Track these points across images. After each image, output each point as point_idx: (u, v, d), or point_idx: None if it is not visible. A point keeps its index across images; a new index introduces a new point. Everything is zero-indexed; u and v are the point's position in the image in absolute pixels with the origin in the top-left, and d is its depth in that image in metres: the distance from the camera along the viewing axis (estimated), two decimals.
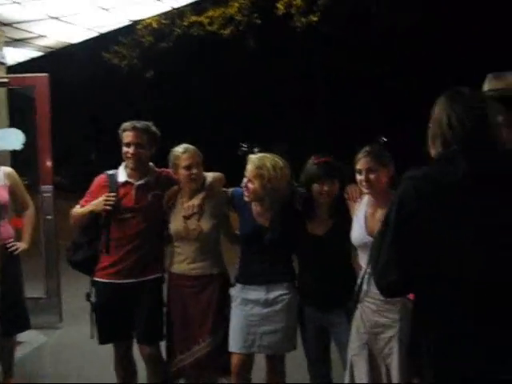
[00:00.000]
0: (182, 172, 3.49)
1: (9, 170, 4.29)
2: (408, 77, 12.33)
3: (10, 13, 6.31)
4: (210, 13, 13.43)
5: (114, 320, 3.58)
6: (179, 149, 3.53)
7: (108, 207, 3.47)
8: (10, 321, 4.03)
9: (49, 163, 5.92)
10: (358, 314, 3.07)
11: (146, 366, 3.65)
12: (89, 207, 3.54)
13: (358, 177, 3.07)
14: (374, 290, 2.66)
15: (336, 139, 11.13)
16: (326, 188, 3.24)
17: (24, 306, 4.25)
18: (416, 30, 11.71)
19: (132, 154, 3.52)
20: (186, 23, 13.68)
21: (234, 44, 13.48)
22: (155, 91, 15.75)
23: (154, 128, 3.62)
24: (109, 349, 3.69)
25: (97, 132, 17.13)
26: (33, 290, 5.10)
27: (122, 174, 3.62)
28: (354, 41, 12.69)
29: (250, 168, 3.33)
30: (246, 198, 3.36)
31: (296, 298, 3.40)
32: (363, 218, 3.11)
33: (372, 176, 3.02)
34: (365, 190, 3.09)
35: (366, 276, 2.93)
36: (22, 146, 5.60)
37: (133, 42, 14.20)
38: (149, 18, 11.36)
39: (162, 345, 3.63)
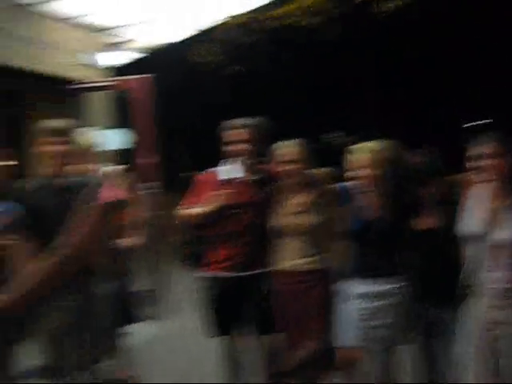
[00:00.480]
0: (284, 167, 3.53)
1: (122, 169, 4.49)
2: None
3: (107, 18, 6.59)
4: (294, 5, 13.36)
5: (224, 313, 3.66)
6: (282, 144, 3.57)
7: (223, 204, 3.54)
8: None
9: (153, 161, 6.14)
10: (475, 308, 3.01)
11: (259, 359, 3.72)
12: (206, 208, 3.60)
13: (477, 163, 2.98)
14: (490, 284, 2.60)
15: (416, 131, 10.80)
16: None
17: (134, 299, 4.43)
18: None
19: (244, 151, 3.57)
20: (269, 16, 13.69)
21: (318, 35, 13.35)
22: (241, 87, 15.86)
23: (264, 124, 3.67)
24: (213, 341, 3.77)
25: (187, 130, 17.49)
26: (140, 284, 5.30)
27: (230, 171, 3.68)
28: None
29: (363, 157, 3.33)
30: (364, 188, 3.37)
31: (407, 291, 3.36)
32: (474, 208, 3.04)
33: (496, 162, 2.94)
34: (486, 177, 3.00)
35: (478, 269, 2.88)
36: (129, 145, 5.84)
37: (220, 39, 14.37)
38: (235, 15, 11.43)
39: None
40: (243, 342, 3.80)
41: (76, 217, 3.55)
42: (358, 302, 3.36)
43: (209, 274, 3.70)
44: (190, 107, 15.33)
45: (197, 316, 3.86)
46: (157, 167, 6.13)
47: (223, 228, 3.62)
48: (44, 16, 6.09)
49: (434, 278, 3.23)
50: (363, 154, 3.33)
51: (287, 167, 3.50)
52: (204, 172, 3.77)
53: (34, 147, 3.45)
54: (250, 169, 3.64)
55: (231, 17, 11.91)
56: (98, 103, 6.83)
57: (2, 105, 6.02)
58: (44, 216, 3.47)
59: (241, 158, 3.61)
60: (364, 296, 3.35)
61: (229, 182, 3.62)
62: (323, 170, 3.64)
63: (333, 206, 3.56)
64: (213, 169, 3.73)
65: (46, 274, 1.04)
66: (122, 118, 6.76)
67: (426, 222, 3.27)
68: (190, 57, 14.45)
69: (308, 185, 3.55)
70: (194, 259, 3.72)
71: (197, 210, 3.64)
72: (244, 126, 3.58)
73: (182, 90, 14.91)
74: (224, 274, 3.64)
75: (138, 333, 5.13)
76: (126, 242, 4.20)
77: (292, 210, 3.53)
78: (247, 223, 3.59)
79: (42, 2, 5.86)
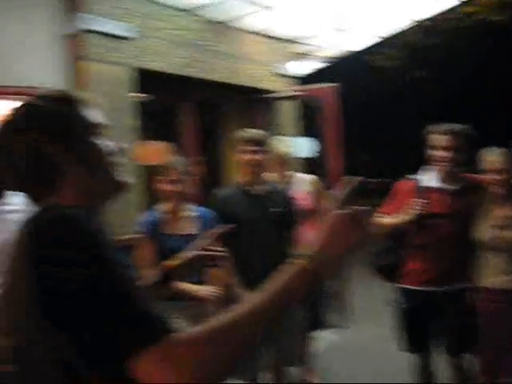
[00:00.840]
0: (490, 176, 3.31)
1: (309, 177, 4.57)
2: None
3: (295, 29, 6.75)
4: (481, 0, 12.62)
5: (417, 329, 3.54)
6: (487, 152, 3.37)
7: (421, 214, 3.42)
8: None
9: (340, 170, 6.16)
10: None
11: (454, 378, 3.55)
12: (403, 217, 3.51)
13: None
14: None
15: None
16: None
17: (323, 305, 4.47)
18: None
19: (448, 159, 3.40)
20: (455, 15, 13.06)
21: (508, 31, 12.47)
22: (426, 92, 15.31)
23: (471, 132, 3.49)
24: (402, 355, 3.68)
25: (374, 136, 17.31)
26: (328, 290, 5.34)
27: (431, 179, 3.55)
28: None
29: None
30: None
31: None
32: None
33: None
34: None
35: None
36: (315, 154, 5.92)
37: (401, 44, 14.05)
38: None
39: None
40: (436, 360, 3.65)
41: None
42: None
43: (402, 286, 3.60)
44: (376, 114, 15.18)
45: (386, 327, 3.78)
46: (343, 175, 6.11)
47: (420, 239, 3.49)
48: (239, 30, 6.38)
49: None
50: None
51: (495, 176, 3.29)
52: (403, 179, 3.66)
53: (231, 155, 3.65)
54: (451, 177, 3.48)
55: (415, 21, 11.59)
56: (287, 112, 7.01)
57: (199, 115, 6.42)
58: (239, 223, 3.62)
59: (442, 166, 3.47)
60: None
61: (428, 191, 3.49)
62: None
63: None
64: (412, 176, 3.62)
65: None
66: (309, 126, 6.86)
67: None
68: (373, 63, 14.34)
69: None
70: (388, 270, 3.64)
71: (393, 219, 3.55)
72: (446, 132, 3.42)
73: (366, 97, 14.83)
74: (419, 287, 3.52)
75: (324, 339, 5.17)
76: None
77: (498, 223, 3.31)
78: (446, 235, 3.41)
79: (237, 18, 6.15)
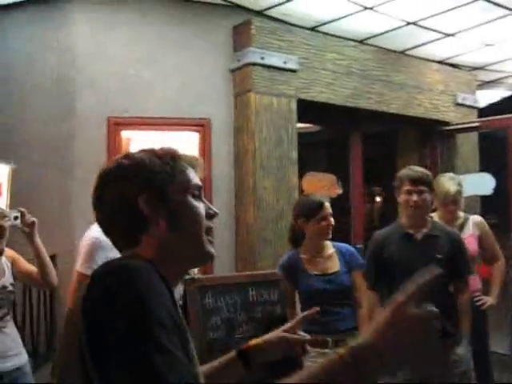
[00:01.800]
0: None
1: (479, 219, 4.19)
2: None
3: (480, 56, 6.27)
4: None
5: None
6: None
7: None
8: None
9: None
10: None
11: None
12: None
13: None
14: None
15: None
16: None
17: (489, 361, 4.08)
18: None
19: None
20: None
21: None
22: None
23: None
24: None
25: None
26: (497, 345, 4.80)
27: None
28: None
29: None
30: None
31: None
32: None
33: None
34: None
35: None
36: (491, 191, 5.42)
37: None
38: None
39: None
40: None
41: None
42: None
43: None
44: None
45: None
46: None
47: None
48: (416, 59, 6.10)
49: None
50: None
51: None
52: None
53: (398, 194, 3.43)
54: None
55: None
56: (467, 145, 6.51)
57: (371, 147, 6.22)
58: (393, 267, 3.40)
59: None
60: None
61: None
62: None
63: None
64: None
65: None
66: (491, 160, 6.28)
67: None
68: None
69: None
70: None
71: None
72: None
73: None
74: None
75: None
76: (480, 300, 3.83)
77: None
78: None
79: (417, 47, 5.88)
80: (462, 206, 4.13)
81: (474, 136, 6.56)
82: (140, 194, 1.20)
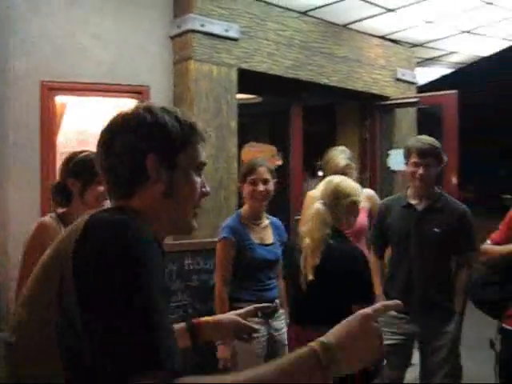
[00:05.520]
0: None
1: (371, 192, 4.36)
2: None
3: (420, 33, 6.35)
4: None
5: None
6: None
7: None
8: None
9: (455, 180, 5.74)
10: None
11: None
12: (510, 249, 3.12)
13: None
14: None
15: None
16: None
17: None
18: None
19: None
20: None
21: None
22: None
23: None
24: None
25: (505, 146, 16.21)
26: None
27: None
28: None
29: None
30: None
31: None
32: None
33: None
34: None
35: None
36: None
37: None
38: None
39: None
40: None
41: None
42: None
43: (506, 327, 3.18)
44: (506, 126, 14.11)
45: (483, 367, 3.37)
46: (458, 189, 5.67)
47: None
48: (357, 33, 6.12)
49: None
50: None
51: None
52: None
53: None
54: None
55: None
56: (407, 120, 6.63)
57: (316, 120, 6.25)
58: (392, 236, 3.47)
59: None
60: None
61: None
62: None
63: None
64: None
65: None
66: (428, 135, 6.43)
67: None
68: (507, 69, 13.32)
69: None
70: (490, 305, 3.23)
71: (502, 248, 3.16)
72: None
73: (496, 104, 13.81)
74: None
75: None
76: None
77: None
78: None
79: (359, 21, 5.90)
80: (353, 178, 4.14)
81: (412, 111, 6.68)
82: (150, 152, 1.22)
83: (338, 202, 2.91)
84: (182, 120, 1.31)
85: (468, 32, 6.35)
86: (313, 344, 1.08)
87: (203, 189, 1.33)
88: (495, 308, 3.19)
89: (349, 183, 3.01)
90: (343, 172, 3.82)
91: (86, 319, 1.03)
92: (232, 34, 4.84)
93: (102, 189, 2.43)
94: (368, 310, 1.15)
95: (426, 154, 3.30)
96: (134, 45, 4.64)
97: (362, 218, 3.94)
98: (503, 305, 3.15)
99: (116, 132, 1.26)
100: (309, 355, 1.06)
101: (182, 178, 1.27)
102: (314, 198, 2.92)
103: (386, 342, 1.18)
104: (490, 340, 3.23)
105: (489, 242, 3.27)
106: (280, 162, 5.82)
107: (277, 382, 1.02)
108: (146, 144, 1.23)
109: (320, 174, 4.60)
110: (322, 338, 1.09)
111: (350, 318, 1.14)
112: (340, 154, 4.14)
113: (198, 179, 1.30)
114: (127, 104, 4.66)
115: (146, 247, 1.08)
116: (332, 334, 1.11)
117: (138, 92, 4.65)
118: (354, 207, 2.94)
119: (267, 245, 3.41)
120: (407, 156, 3.38)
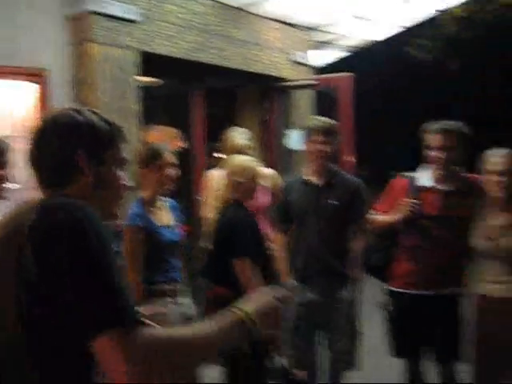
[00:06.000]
0: (490, 178, 3.12)
1: (270, 172, 4.38)
2: None
3: (316, 17, 6.58)
4: None
5: (409, 333, 3.40)
6: (491, 152, 3.15)
7: (411, 214, 3.27)
8: None
9: (351, 159, 6.05)
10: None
11: None
12: (393, 216, 3.38)
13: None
14: None
15: None
16: None
17: None
18: None
19: (441, 159, 3.24)
20: (495, 7, 12.58)
21: None
22: (461, 85, 14.88)
23: (465, 129, 3.29)
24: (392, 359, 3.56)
25: (397, 127, 17.06)
26: None
27: (423, 178, 3.39)
28: None
29: None
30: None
31: None
32: None
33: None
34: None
35: None
36: None
37: (436, 34, 13.63)
38: (455, 8, 10.75)
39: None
40: (426, 368, 3.52)
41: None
42: None
43: (391, 288, 3.47)
44: (399, 106, 14.85)
45: (377, 330, 3.64)
46: (354, 167, 5.98)
47: (410, 240, 3.35)
48: (256, 16, 6.24)
49: None
50: None
51: (496, 178, 3.09)
52: (399, 176, 3.52)
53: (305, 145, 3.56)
54: (446, 177, 3.31)
55: (456, 7, 11.24)
56: (304, 101, 6.86)
57: (211, 102, 6.32)
58: (293, 212, 3.61)
59: (436, 165, 3.30)
60: None
61: (420, 190, 3.34)
62: None
63: None
64: (408, 174, 3.47)
65: None
66: (326, 116, 6.70)
67: None
68: (406, 52, 14.01)
69: None
70: (379, 270, 3.51)
71: (384, 217, 3.44)
72: (438, 131, 3.25)
73: (390, 88, 14.51)
74: (407, 290, 3.38)
75: None
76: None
77: (496, 229, 3.11)
78: (438, 237, 3.25)
79: (256, 4, 6.01)
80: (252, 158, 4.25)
81: (309, 93, 6.92)
82: (81, 148, 1.37)
83: (238, 179, 3.24)
84: (108, 121, 1.46)
85: (361, 17, 6.66)
86: (237, 311, 1.33)
87: (126, 183, 1.50)
88: (381, 272, 3.49)
89: (247, 161, 3.32)
90: (242, 152, 3.92)
91: (48, 285, 1.18)
92: (131, 16, 4.81)
93: (2, 172, 2.55)
94: (276, 291, 1.45)
95: (327, 133, 3.48)
96: (30, 25, 4.49)
97: (264, 197, 4.08)
98: (387, 268, 3.46)
99: (48, 130, 1.39)
100: (237, 321, 1.31)
101: (108, 172, 1.43)
102: (215, 176, 3.07)
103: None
104: (380, 302, 3.52)
105: (375, 212, 3.53)
106: (183, 145, 5.87)
107: (220, 336, 1.26)
108: (76, 142, 1.37)
109: (219, 155, 4.69)
110: (245, 308, 1.34)
111: (262, 292, 1.46)
112: (238, 135, 4.26)
113: (121, 174, 1.47)
114: (26, 87, 4.55)
115: (99, 222, 1.24)
116: (248, 305, 1.36)
117: (36, 75, 4.53)
118: (251, 184, 3.26)
119: (169, 226, 3.45)
120: (308, 135, 3.55)
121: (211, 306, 3.23)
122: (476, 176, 3.29)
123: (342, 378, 3.62)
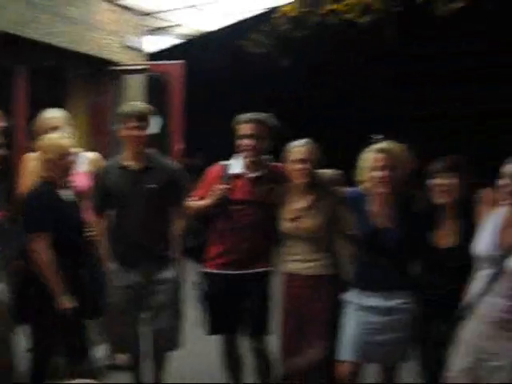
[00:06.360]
0: (293, 166, 3.41)
1: (95, 156, 4.31)
2: None
3: (150, 3, 6.56)
4: (349, 0, 13.01)
5: (223, 311, 3.60)
6: (294, 142, 3.48)
7: (220, 199, 3.48)
8: None
9: (180, 146, 6.14)
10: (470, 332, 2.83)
11: (254, 361, 3.66)
12: (206, 201, 3.57)
13: (503, 182, 2.79)
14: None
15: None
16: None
17: None
18: None
19: (251, 147, 3.50)
20: (323, 11, 13.37)
21: (372, 33, 12.99)
22: (291, 81, 15.62)
23: (272, 120, 3.60)
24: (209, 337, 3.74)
25: (225, 117, 17.45)
26: None
27: (235, 166, 3.62)
28: None
29: (380, 156, 3.16)
30: (375, 191, 3.20)
31: (416, 307, 3.17)
32: (496, 229, 2.81)
33: None
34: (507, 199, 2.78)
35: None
36: (158, 131, 5.79)
37: (270, 30, 14.17)
38: (287, 6, 11.29)
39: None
40: (240, 343, 3.73)
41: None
42: (365, 315, 3.21)
43: (205, 269, 3.65)
44: (231, 97, 15.22)
45: (194, 310, 3.78)
46: (182, 154, 6.08)
47: (222, 223, 3.56)
48: None
49: (448, 298, 3.02)
50: (378, 154, 3.19)
51: (298, 166, 3.40)
52: (214, 165, 3.73)
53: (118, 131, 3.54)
54: (255, 165, 3.58)
55: (287, 7, 11.79)
56: (136, 86, 6.81)
57: (43, 82, 6.06)
58: (112, 197, 3.55)
59: (246, 153, 3.55)
60: (371, 309, 3.20)
61: (232, 177, 3.56)
62: (331, 171, 3.52)
63: (340, 209, 3.41)
64: (222, 162, 3.69)
65: None
66: (157, 103, 6.72)
67: (446, 239, 3.08)
68: (238, 45, 14.38)
69: (315, 186, 3.45)
70: (195, 252, 3.67)
71: (199, 202, 3.62)
72: (249, 121, 3.52)
73: (222, 78, 14.80)
74: (219, 270, 3.59)
75: None
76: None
77: (297, 212, 3.43)
78: (247, 221, 3.51)
79: None
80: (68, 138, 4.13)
81: (142, 78, 6.87)
82: None
83: (46, 156, 3.38)
84: None
85: (194, 6, 6.74)
86: None
87: None
88: (197, 254, 3.65)
89: (56, 139, 3.46)
90: (54, 132, 3.82)
91: None
92: None
93: None
94: None
95: (142, 118, 3.57)
96: None
97: (84, 181, 4.00)
98: (201, 250, 3.63)
99: None
100: None
101: None
102: (32, 158, 3.04)
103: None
104: (195, 282, 3.67)
105: (192, 198, 3.68)
106: (4, 124, 5.53)
107: None
108: None
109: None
110: None
111: None
112: (50, 115, 4.13)
113: None
114: None
115: None
116: None
117: None
118: (62, 162, 3.37)
119: None
120: (124, 121, 3.59)
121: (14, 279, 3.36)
122: (281, 164, 3.57)
123: (165, 358, 3.71)
